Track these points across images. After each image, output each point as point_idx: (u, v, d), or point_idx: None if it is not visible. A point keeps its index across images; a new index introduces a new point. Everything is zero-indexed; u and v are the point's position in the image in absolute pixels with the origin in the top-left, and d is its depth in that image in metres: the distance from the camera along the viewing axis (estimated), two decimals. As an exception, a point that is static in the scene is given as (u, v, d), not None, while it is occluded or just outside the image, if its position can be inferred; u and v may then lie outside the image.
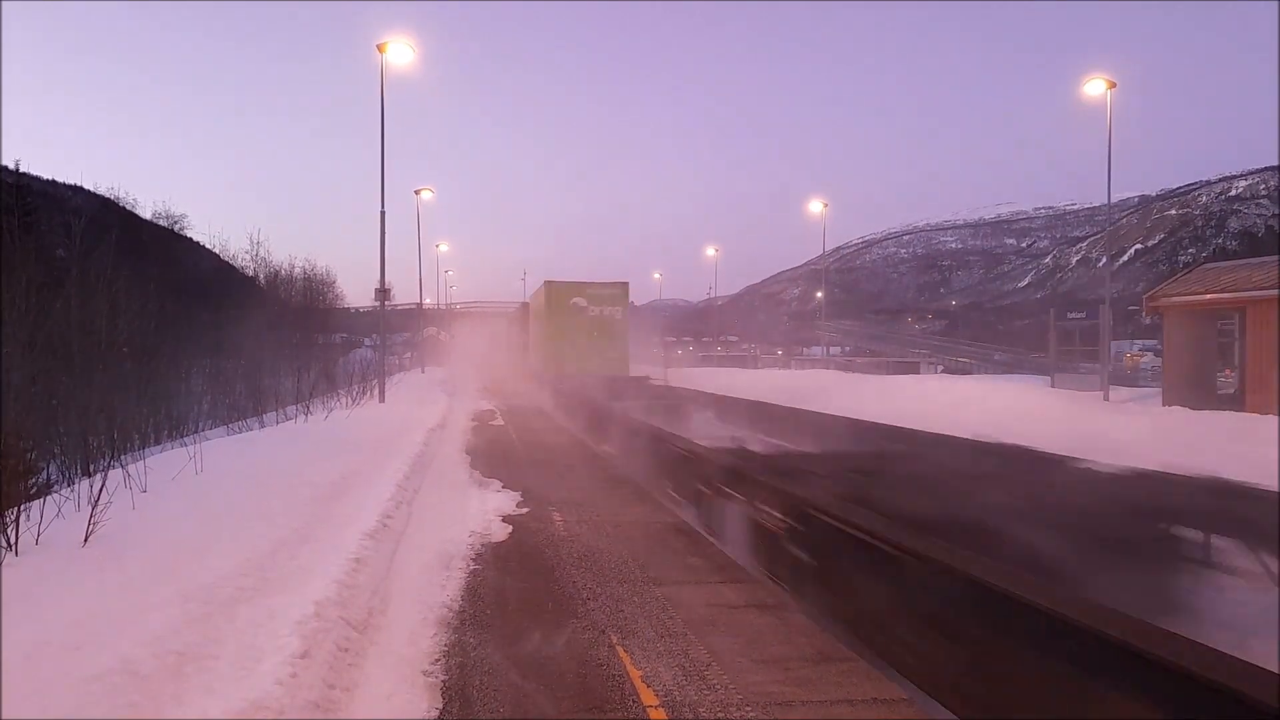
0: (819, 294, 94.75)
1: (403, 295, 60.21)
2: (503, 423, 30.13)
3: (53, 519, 8.77)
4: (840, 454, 12.91)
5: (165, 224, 50.27)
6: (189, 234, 52.11)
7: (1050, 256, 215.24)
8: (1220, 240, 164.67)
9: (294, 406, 26.31)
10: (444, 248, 78.90)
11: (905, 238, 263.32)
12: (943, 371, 54.88)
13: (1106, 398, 24.97)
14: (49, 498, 9.66)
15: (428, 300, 75.70)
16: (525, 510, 13.67)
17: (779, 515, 8.40)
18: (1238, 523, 7.59)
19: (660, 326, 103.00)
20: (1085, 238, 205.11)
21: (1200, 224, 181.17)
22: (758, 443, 13.54)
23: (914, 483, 9.55)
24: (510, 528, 12.30)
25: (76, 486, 10.89)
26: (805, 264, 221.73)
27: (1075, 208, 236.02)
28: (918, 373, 50.24)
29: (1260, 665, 3.56)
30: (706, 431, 18.40)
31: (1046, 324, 33.65)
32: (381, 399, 29.14)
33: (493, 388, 53.16)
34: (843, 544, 6.97)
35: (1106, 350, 27.54)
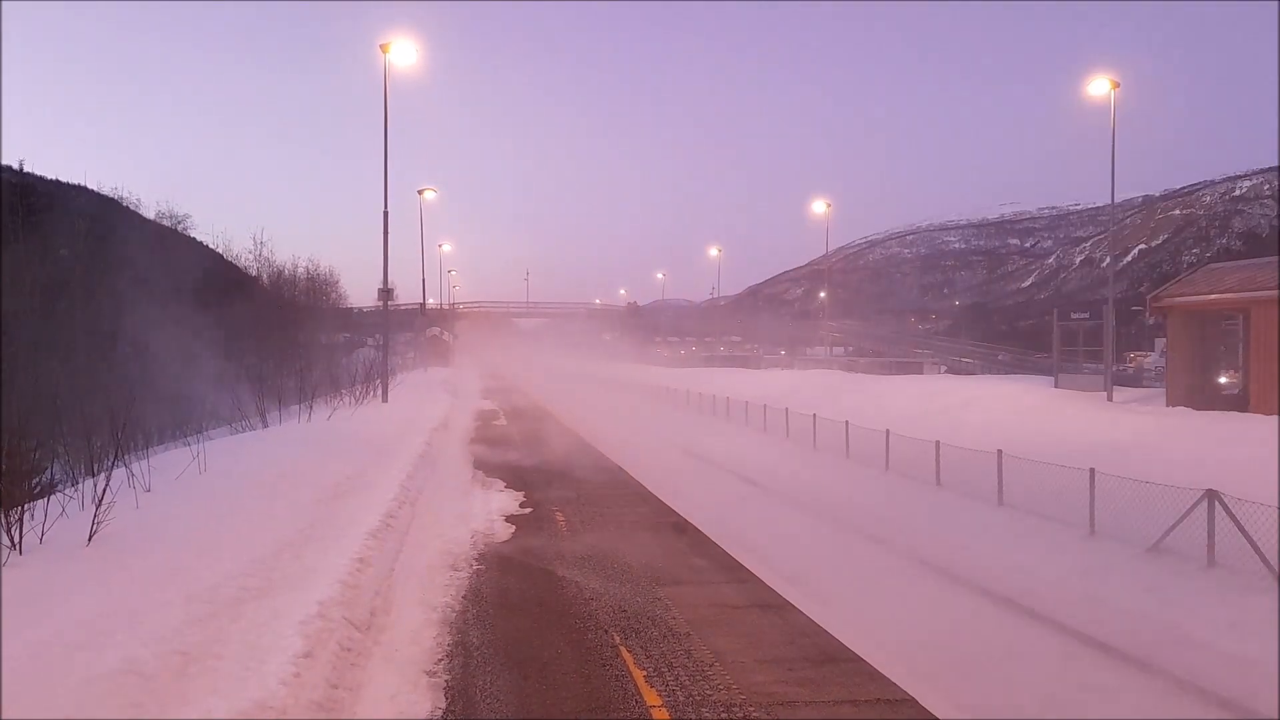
0: (822, 294, 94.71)
1: (406, 295, 60.23)
2: (505, 423, 30.15)
3: (57, 518, 8.78)
4: None
5: (169, 224, 50.05)
6: (192, 234, 51.91)
7: (1054, 257, 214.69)
8: (1224, 241, 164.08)
9: (297, 406, 26.28)
10: (447, 248, 78.94)
11: (909, 238, 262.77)
12: (946, 371, 54.76)
13: (1110, 398, 24.90)
14: (53, 497, 9.67)
15: (431, 300, 75.78)
16: (528, 510, 13.68)
17: None
18: None
19: (663, 326, 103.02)
20: (1089, 238, 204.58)
21: (1204, 224, 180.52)
22: None
23: None
24: (513, 528, 12.31)
25: (80, 486, 10.90)
26: (808, 264, 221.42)
27: (1079, 208, 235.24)
28: (921, 373, 50.14)
29: None
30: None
31: (1050, 324, 33.53)
32: (384, 399, 29.12)
33: (495, 388, 53.21)
34: None
35: (1110, 351, 27.45)
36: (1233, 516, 9.57)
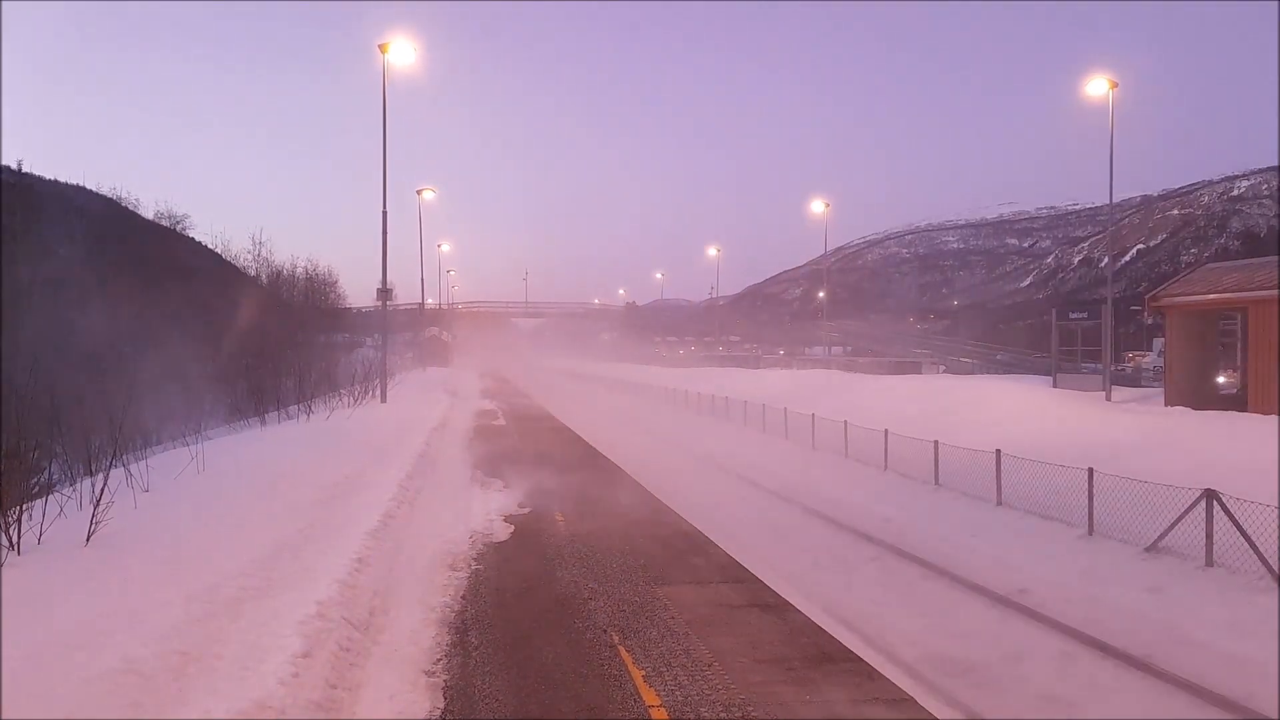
0: (821, 294, 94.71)
1: (405, 295, 60.21)
2: (504, 423, 30.14)
3: (55, 518, 8.77)
4: None
5: (167, 224, 50.14)
6: (191, 234, 51.98)
7: (1052, 256, 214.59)
8: (1222, 240, 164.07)
9: (296, 406, 26.28)
10: (446, 248, 78.81)
11: (907, 237, 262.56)
12: (944, 371, 54.73)
13: (1109, 398, 24.91)
14: (51, 497, 9.65)
15: (430, 300, 75.62)
16: (527, 510, 13.67)
17: None
18: None
19: (661, 326, 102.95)
20: (1087, 238, 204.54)
21: (1202, 224, 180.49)
22: None
23: None
24: (512, 528, 12.31)
25: (79, 486, 10.89)
26: (807, 264, 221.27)
27: (1077, 208, 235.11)
28: (919, 372, 50.11)
29: None
30: None
31: (1048, 324, 33.59)
32: (383, 399, 29.11)
33: (494, 388, 53.20)
34: None
35: (1108, 350, 27.47)
36: (1231, 516, 9.58)
